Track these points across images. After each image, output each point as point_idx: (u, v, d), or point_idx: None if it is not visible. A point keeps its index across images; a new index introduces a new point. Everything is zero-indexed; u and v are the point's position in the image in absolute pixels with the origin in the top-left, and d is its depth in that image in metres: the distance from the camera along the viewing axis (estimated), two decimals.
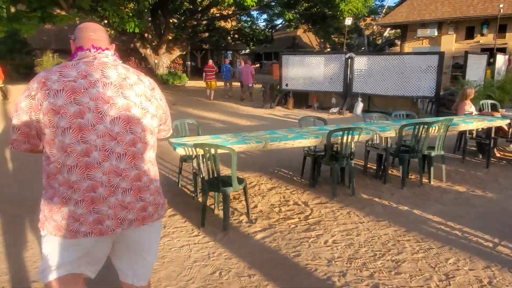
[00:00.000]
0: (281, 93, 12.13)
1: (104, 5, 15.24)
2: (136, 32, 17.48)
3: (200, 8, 21.77)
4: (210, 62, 15.19)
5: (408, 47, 16.01)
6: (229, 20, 30.28)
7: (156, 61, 21.06)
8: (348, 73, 10.70)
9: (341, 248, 2.92)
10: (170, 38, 20.97)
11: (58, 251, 1.44)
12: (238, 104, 13.01)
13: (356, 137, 3.94)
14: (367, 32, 35.68)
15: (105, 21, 18.67)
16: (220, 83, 16.18)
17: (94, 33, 1.47)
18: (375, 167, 5.07)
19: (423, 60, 9.86)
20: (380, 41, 38.90)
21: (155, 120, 1.53)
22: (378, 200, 3.97)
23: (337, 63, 10.97)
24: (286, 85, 11.89)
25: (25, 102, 1.34)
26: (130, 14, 17.58)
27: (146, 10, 20.27)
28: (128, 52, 29.12)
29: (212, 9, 23.24)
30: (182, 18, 22.75)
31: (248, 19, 33.41)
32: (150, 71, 20.97)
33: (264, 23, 30.94)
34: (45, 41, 26.00)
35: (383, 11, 30.50)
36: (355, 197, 4.04)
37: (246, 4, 15.57)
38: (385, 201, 3.94)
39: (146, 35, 21.16)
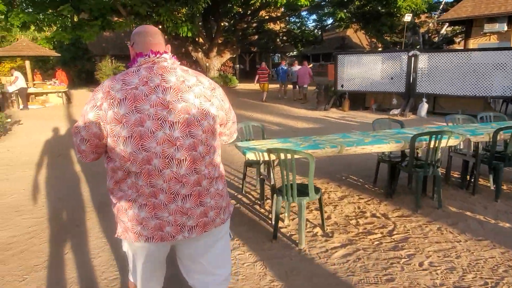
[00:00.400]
0: (336, 94, 11.64)
1: (160, 10, 15.59)
2: (188, 36, 17.76)
3: (250, 10, 21.77)
4: (264, 64, 15.28)
5: (474, 43, 14.76)
6: (277, 22, 30.15)
7: (207, 64, 21.32)
8: (412, 72, 9.98)
9: (441, 272, 2.50)
10: (220, 41, 21.16)
11: (131, 255, 1.57)
12: (290, 106, 12.69)
13: (444, 141, 3.47)
14: (422, 30, 33.85)
15: (160, 27, 19.24)
16: (273, 86, 15.98)
17: (152, 37, 1.48)
18: (457, 175, 4.52)
19: (496, 57, 8.93)
20: (436, 39, 36.78)
21: (217, 121, 1.50)
22: (470, 214, 3.46)
23: (398, 61, 10.29)
24: (342, 86, 11.38)
25: (92, 113, 1.36)
26: (183, 18, 17.92)
27: (198, 15, 20.64)
28: (180, 56, 29.93)
29: (261, 12, 23.20)
30: (232, 21, 22.90)
31: (297, 20, 33.02)
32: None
33: (313, 24, 30.21)
34: (104, 47, 27.41)
35: (440, 7, 28.73)
36: (442, 210, 3.56)
37: (299, 3, 15.21)
38: (479, 215, 3.42)
39: (197, 39, 21.52)
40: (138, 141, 1.33)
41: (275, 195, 3.11)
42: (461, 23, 17.30)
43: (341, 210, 3.66)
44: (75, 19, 17.45)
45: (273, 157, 3.04)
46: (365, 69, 10.93)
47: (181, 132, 1.37)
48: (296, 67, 15.36)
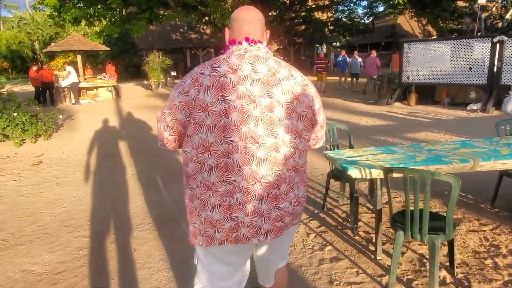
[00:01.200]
0: (401, 87, 10.51)
1: (208, 0, 15.05)
2: None
3: None
4: (322, 54, 15.29)
5: None
6: (324, 11, 28.82)
7: None
8: (496, 61, 8.68)
9: None
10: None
11: (202, 262, 1.47)
12: (348, 100, 11.70)
13: None
14: (483, 15, 30.99)
15: (206, 18, 18.80)
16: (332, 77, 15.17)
17: (249, 26, 1.38)
18: None
19: None
20: (500, 24, 33.65)
21: (302, 122, 1.36)
22: None
23: (478, 49, 9.00)
24: (408, 77, 10.24)
25: (179, 99, 1.30)
26: (230, 9, 17.32)
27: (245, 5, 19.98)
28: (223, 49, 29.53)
29: (308, 0, 22.10)
30: (279, 11, 22.00)
31: (345, 8, 31.43)
32: None
33: (362, 12, 28.55)
34: (151, 41, 27.56)
35: None
36: None
37: None
38: None
39: None
40: (222, 132, 1.26)
41: (380, 223, 2.34)
42: None
43: (464, 242, 2.81)
44: (123, 13, 17.44)
45: (378, 175, 2.27)
46: (435, 59, 9.72)
47: (264, 130, 1.29)
48: (357, 58, 14.52)
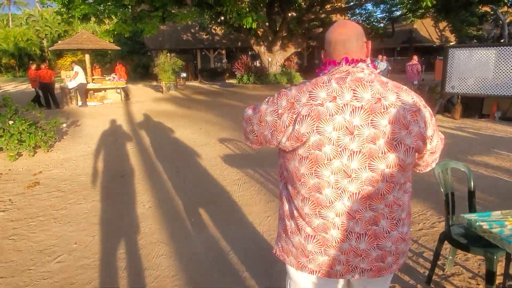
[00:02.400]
0: (443, 97, 9.43)
1: None
2: (253, 27, 16.16)
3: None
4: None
5: None
6: (342, 14, 27.80)
7: (269, 59, 19.66)
8: None
9: None
10: (285, 34, 19.35)
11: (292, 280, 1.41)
12: None
13: None
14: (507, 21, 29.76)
15: (222, 18, 17.84)
16: None
17: (344, 46, 1.22)
18: None
19: None
20: None
21: (411, 155, 1.18)
22: None
23: None
24: (452, 87, 9.15)
25: (271, 117, 1.24)
26: (247, 9, 16.32)
27: (261, 5, 18.99)
28: (239, 51, 28.62)
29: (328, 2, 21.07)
30: (298, 12, 20.98)
31: (362, 12, 30.41)
32: (262, 71, 19.67)
33: (381, 15, 27.43)
34: (161, 41, 26.70)
35: None
36: None
37: None
38: None
39: (259, 31, 19.92)
40: (312, 165, 1.18)
41: None
42: None
43: None
44: (135, 10, 16.54)
45: None
46: (484, 67, 8.63)
47: (360, 164, 1.15)
48: (384, 62, 14.16)
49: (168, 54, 17.97)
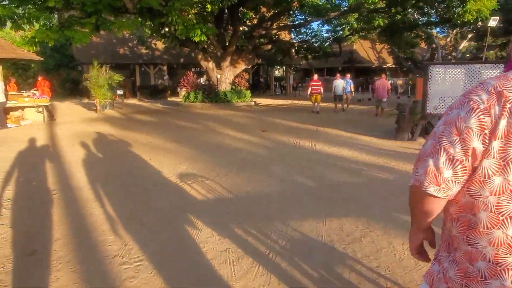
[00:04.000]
0: (425, 119, 8.61)
1: (175, 4, 12.37)
2: (202, 40, 14.63)
3: (269, 14, 18.81)
4: (316, 76, 15.18)
5: None
6: (286, 32, 27.40)
7: (218, 75, 18.18)
8: None
9: None
10: (234, 50, 18.06)
11: None
12: (353, 133, 9.60)
13: None
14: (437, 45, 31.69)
15: (166, 29, 16.07)
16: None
17: None
18: None
19: None
20: (454, 54, 34.72)
21: None
22: None
23: None
24: (435, 108, 8.37)
25: (475, 118, 0.94)
26: (194, 21, 14.78)
27: (209, 18, 17.55)
28: (182, 66, 26.73)
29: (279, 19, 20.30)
30: (248, 27, 19.90)
31: (306, 31, 30.36)
32: (211, 88, 18.09)
33: (326, 35, 27.51)
34: (93, 54, 23.92)
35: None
36: None
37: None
38: None
39: (206, 46, 18.43)
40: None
41: None
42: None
43: None
44: (63, 16, 14.16)
45: None
46: (470, 86, 7.96)
47: None
48: (339, 80, 14.73)
49: (104, 66, 15.63)
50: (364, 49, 40.94)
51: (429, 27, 22.08)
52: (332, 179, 5.17)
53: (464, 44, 32.35)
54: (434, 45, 30.72)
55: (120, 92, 17.36)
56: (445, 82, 8.19)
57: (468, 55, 32.38)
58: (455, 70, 8.12)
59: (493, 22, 12.54)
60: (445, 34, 27.75)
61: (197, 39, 14.23)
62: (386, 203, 4.12)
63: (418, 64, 32.82)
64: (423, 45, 30.05)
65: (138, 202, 4.24)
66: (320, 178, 5.26)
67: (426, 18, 19.29)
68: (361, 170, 5.67)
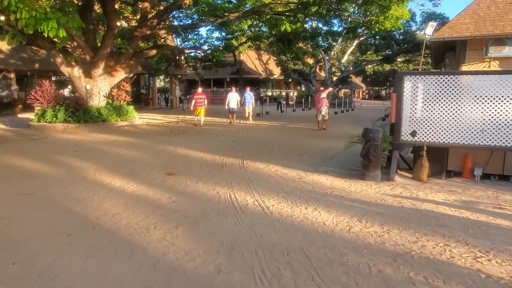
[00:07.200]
0: (399, 149, 6.29)
1: None
2: (62, 37, 10.22)
3: (155, 11, 15.03)
4: (200, 89, 14.49)
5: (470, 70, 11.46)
6: (170, 36, 23.83)
7: (87, 86, 13.61)
8: None
9: None
10: (110, 53, 13.77)
11: None
12: (295, 169, 6.76)
13: None
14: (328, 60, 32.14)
15: (2, 18, 10.94)
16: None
17: None
18: None
19: None
20: (337, 65, 35.89)
21: None
22: None
23: None
24: (414, 133, 6.11)
25: None
26: (47, 10, 10.22)
27: (71, 9, 12.91)
28: (38, 74, 20.64)
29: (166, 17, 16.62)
30: (125, 24, 15.68)
31: (194, 37, 27.13)
32: (78, 103, 13.35)
33: (217, 42, 24.79)
34: None
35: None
36: None
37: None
38: None
39: (69, 47, 13.71)
40: None
41: None
42: (449, 45, 13.86)
43: None
44: None
45: None
46: (459, 104, 5.84)
47: None
48: (234, 93, 15.01)
49: None
50: (251, 60, 39.82)
51: (330, 37, 21.24)
52: None
53: (345, 58, 33.55)
54: (321, 56, 30.84)
55: None
56: (429, 98, 5.98)
57: (351, 68, 33.70)
58: (443, 80, 5.93)
59: (429, 29, 11.44)
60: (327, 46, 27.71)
61: (52, 34, 9.77)
62: None
63: (305, 75, 32.82)
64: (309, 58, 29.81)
65: None
66: None
67: (327, 28, 18.10)
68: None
